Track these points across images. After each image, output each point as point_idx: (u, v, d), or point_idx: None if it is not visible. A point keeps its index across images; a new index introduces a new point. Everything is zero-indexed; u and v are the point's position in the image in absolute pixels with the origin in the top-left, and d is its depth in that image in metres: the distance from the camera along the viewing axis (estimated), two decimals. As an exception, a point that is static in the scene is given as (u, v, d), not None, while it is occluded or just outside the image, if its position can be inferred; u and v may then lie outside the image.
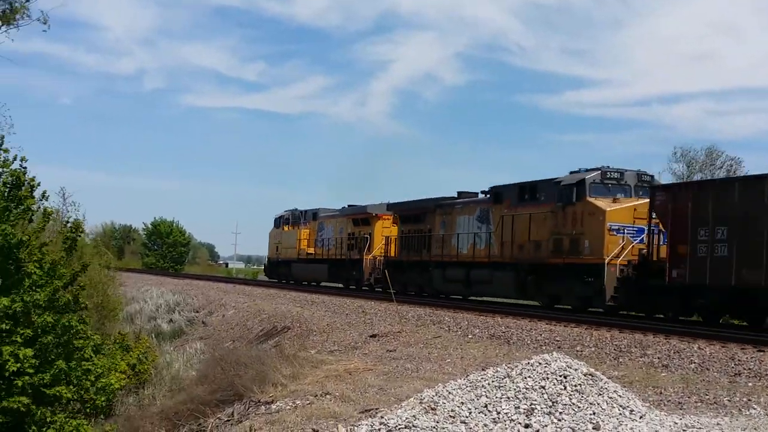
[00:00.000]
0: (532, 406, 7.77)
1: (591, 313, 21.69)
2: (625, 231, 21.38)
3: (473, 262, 27.01)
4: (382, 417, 7.95)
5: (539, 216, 23.70)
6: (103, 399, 15.53)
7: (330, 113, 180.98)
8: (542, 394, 7.98)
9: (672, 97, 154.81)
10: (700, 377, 11.46)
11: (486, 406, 7.89)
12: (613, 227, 21.37)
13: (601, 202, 21.82)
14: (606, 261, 20.79)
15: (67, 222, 19.15)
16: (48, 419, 14.11)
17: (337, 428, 8.70)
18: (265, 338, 21.98)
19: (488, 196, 27.14)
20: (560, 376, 8.28)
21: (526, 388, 8.10)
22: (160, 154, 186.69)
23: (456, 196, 30.09)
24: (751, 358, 12.31)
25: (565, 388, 8.08)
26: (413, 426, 7.45)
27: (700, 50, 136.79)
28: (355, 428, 8.09)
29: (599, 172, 22.40)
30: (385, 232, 34.40)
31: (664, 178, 36.44)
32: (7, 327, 13.46)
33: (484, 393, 8.19)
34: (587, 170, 22.74)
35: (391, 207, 34.73)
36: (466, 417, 7.69)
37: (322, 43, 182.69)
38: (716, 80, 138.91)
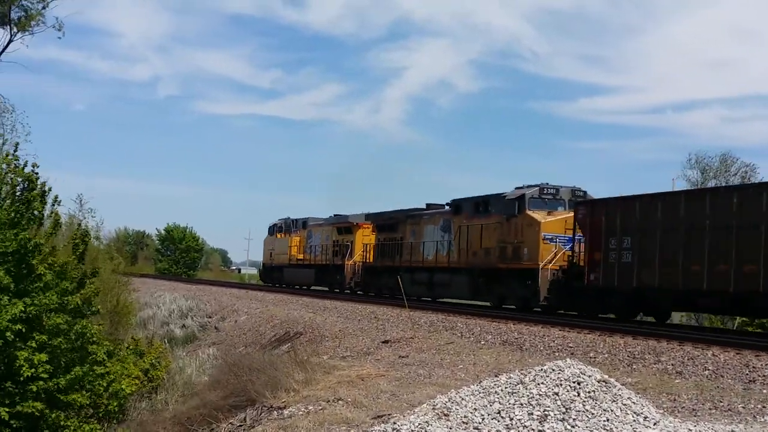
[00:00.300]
0: (546, 413, 7.73)
1: (603, 320, 21.83)
2: (558, 240, 24.33)
3: (436, 267, 30.07)
4: (394, 423, 7.93)
5: (489, 226, 26.72)
6: (115, 404, 15.59)
7: (344, 120, 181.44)
8: (556, 400, 7.94)
9: (687, 104, 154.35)
10: (714, 384, 11.39)
11: (499, 413, 7.86)
12: (547, 237, 24.29)
13: (538, 215, 24.74)
14: (540, 266, 23.72)
15: (79, 227, 19.25)
16: (62, 424, 14.18)
17: (350, 434, 8.69)
18: (278, 344, 22.00)
19: (450, 208, 30.03)
20: (574, 382, 8.24)
21: (540, 395, 8.06)
22: (174, 160, 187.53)
23: (425, 207, 33.06)
24: (766, 365, 12.23)
25: (579, 394, 8.03)
26: (426, 432, 7.43)
27: (715, 57, 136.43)
28: (368, 434, 8.08)
29: (538, 188, 25.44)
30: (365, 240, 37.35)
31: (679, 185, 36.46)
32: (22, 330, 13.52)
33: (497, 399, 8.16)
34: (529, 186, 25.72)
35: (369, 217, 38.01)
36: (479, 423, 7.66)
37: (337, 51, 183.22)
38: (732, 87, 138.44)
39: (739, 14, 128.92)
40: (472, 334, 18.24)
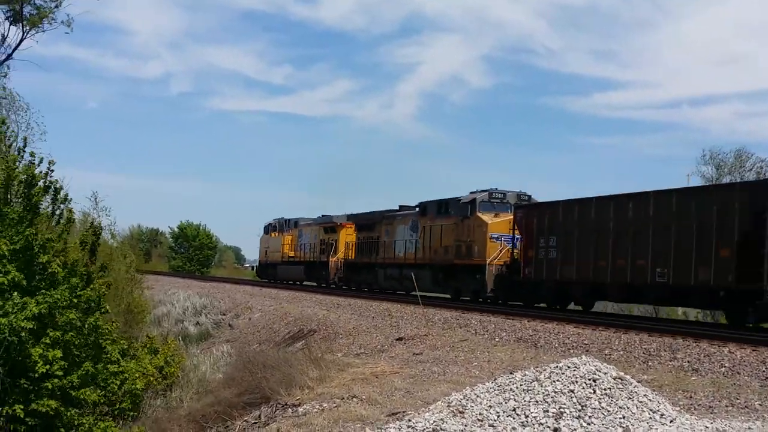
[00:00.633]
0: (561, 410, 7.71)
1: (619, 317, 21.93)
2: (503, 239, 27.44)
3: (405, 263, 33.33)
4: (409, 420, 7.92)
5: (448, 227, 30.02)
6: (130, 402, 15.63)
7: (356, 116, 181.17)
8: (571, 397, 7.92)
9: (702, 99, 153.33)
10: (730, 381, 11.32)
11: (514, 410, 7.84)
12: (493, 236, 27.57)
13: (486, 217, 27.99)
14: (487, 262, 27.17)
15: (92, 225, 19.31)
16: (76, 422, 14.21)
17: (365, 431, 8.68)
18: (292, 341, 22.03)
19: (418, 210, 33.19)
20: (589, 379, 8.21)
21: (555, 392, 8.04)
22: (187, 157, 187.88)
23: (398, 208, 36.19)
24: (783, 362, 12.16)
25: (595, 391, 8.00)
26: (441, 429, 7.41)
27: (731, 51, 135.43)
28: (383, 431, 8.07)
29: (487, 192, 28.75)
30: (348, 238, 40.44)
31: (694, 181, 36.33)
32: (35, 328, 13.57)
33: (512, 396, 8.14)
34: (480, 191, 28.95)
35: (350, 217, 41.20)
36: (495, 420, 7.64)
37: (348, 46, 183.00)
38: (747, 82, 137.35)
39: (753, 9, 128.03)
40: (487, 331, 18.20)
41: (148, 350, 19.23)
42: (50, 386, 13.77)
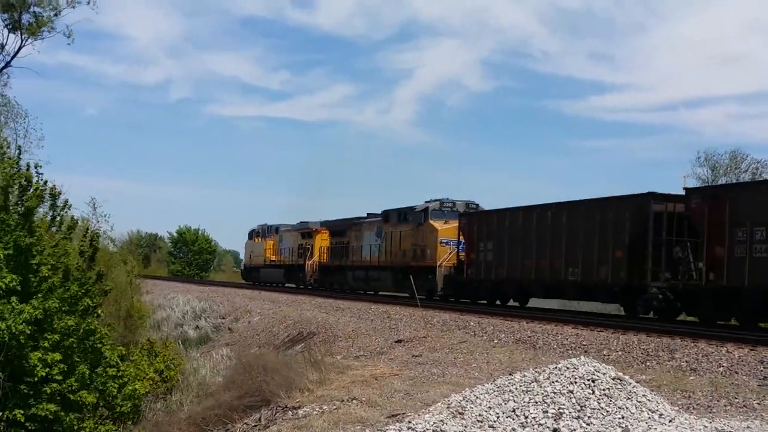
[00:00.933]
0: (561, 411, 7.74)
1: (618, 318, 21.99)
2: (451, 243, 30.32)
3: (370, 266, 36.66)
4: (409, 422, 7.95)
5: (406, 233, 33.06)
6: (129, 405, 15.65)
7: (355, 121, 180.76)
8: (570, 398, 7.95)
9: (697, 101, 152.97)
10: (728, 381, 11.37)
11: (514, 411, 7.87)
12: (443, 241, 30.53)
13: (437, 224, 31.08)
14: (438, 264, 30.12)
15: (87, 230, 19.34)
16: (76, 426, 14.22)
17: (365, 433, 8.71)
18: (291, 344, 22.07)
19: (382, 217, 36.09)
20: (588, 380, 8.24)
21: (554, 393, 8.07)
22: (186, 163, 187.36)
23: (366, 216, 39.28)
24: (781, 361, 12.20)
25: (594, 392, 8.04)
26: (441, 430, 7.44)
27: (725, 53, 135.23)
28: (383, 433, 8.10)
29: (438, 202, 31.91)
30: (322, 243, 43.33)
31: (690, 183, 36.36)
32: (33, 332, 13.59)
33: (511, 397, 8.17)
34: (433, 200, 32.03)
35: (324, 224, 44.35)
36: (494, 421, 7.67)
37: (346, 52, 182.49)
38: (742, 83, 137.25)
39: (747, 9, 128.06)
40: (485, 332, 18.24)
41: (147, 354, 19.26)
42: (49, 390, 13.78)
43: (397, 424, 8.10)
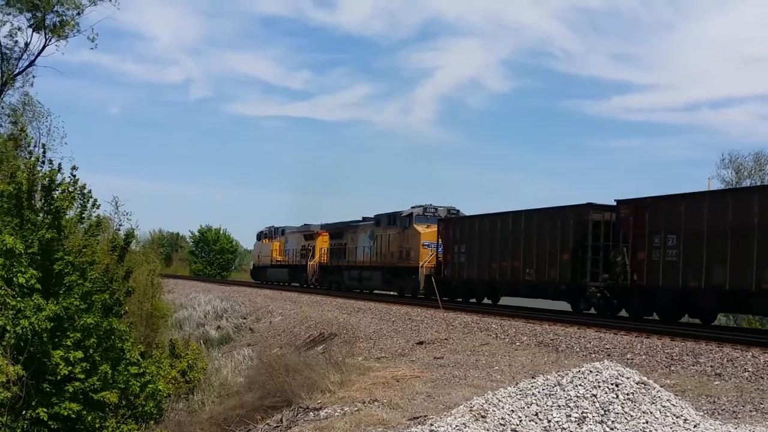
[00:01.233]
0: (584, 415, 7.68)
1: (643, 321, 21.83)
2: (432, 246, 33.01)
3: (363, 266, 39.51)
4: (431, 424, 7.91)
5: (394, 236, 35.95)
6: (152, 404, 15.73)
7: (375, 121, 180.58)
8: (594, 402, 7.89)
9: (722, 101, 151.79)
10: (754, 386, 11.26)
11: (537, 414, 7.83)
12: (425, 244, 33.37)
13: (420, 228, 33.96)
14: (420, 265, 33.13)
15: (118, 229, 19.47)
16: (98, 425, 14.32)
17: (387, 435, 8.68)
18: (312, 345, 22.07)
19: (374, 221, 38.65)
20: (612, 384, 8.17)
21: (578, 397, 8.01)
22: (207, 162, 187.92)
23: (361, 219, 41.71)
24: (808, 366, 12.06)
25: (618, 396, 7.97)
26: (463, 434, 7.41)
27: (751, 52, 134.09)
28: (405, 435, 8.07)
29: (422, 207, 34.72)
30: (323, 245, 46.03)
31: (714, 185, 36.12)
32: (55, 328, 13.70)
33: (534, 401, 8.12)
34: (417, 206, 34.88)
35: (324, 227, 46.85)
36: (517, 425, 7.63)
37: (367, 51, 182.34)
38: (766, 83, 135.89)
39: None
40: (507, 335, 18.17)
41: (170, 354, 19.34)
42: (72, 389, 13.90)
43: (419, 426, 8.08)
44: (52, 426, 13.76)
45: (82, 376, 13.99)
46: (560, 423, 7.60)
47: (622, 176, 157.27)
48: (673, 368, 13.10)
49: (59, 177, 16.03)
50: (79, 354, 13.92)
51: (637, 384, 8.24)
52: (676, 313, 22.23)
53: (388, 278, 37.02)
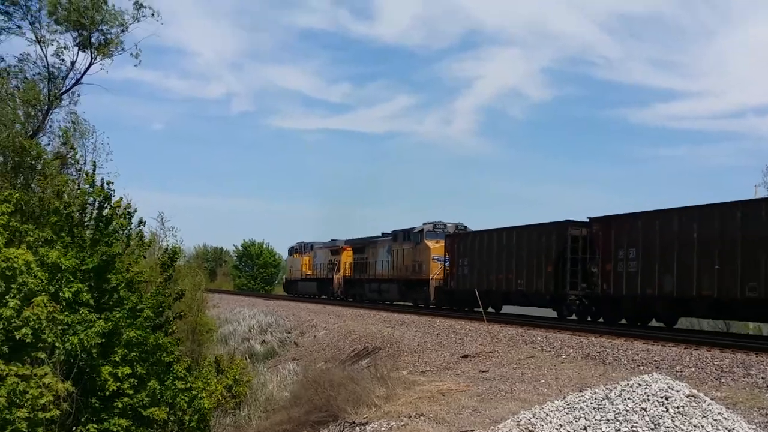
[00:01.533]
0: (634, 429, 7.58)
1: (688, 332, 21.58)
2: (441, 260, 36.01)
3: (382, 279, 42.46)
4: (478, 439, 7.89)
5: (408, 251, 39.16)
6: (198, 420, 15.84)
7: (415, 132, 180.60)
8: (643, 416, 7.79)
9: (766, 108, 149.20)
10: (808, 398, 11.02)
11: (585, 429, 7.75)
12: (435, 258, 36.49)
13: (430, 243, 36.95)
14: (430, 278, 36.48)
15: (167, 248, 19.71)
16: (147, 440, 14.45)
17: (434, 450, 8.65)
18: (357, 359, 22.08)
19: (391, 236, 41.75)
20: (662, 397, 8.07)
21: (626, 410, 7.92)
22: (249, 176, 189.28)
23: (381, 235, 44.79)
24: None
25: (668, 410, 7.86)
26: (511, 449, 7.36)
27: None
28: (452, 450, 8.04)
29: (432, 224, 37.74)
30: (347, 259, 49.14)
31: (761, 193, 35.61)
32: (104, 344, 13.88)
33: (582, 415, 8.04)
34: (428, 223, 37.89)
35: (348, 242, 50.28)
36: (565, 440, 7.57)
37: (407, 63, 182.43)
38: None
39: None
40: (553, 347, 18.02)
41: (216, 369, 19.48)
42: (121, 405, 14.04)
43: (467, 441, 8.05)
44: (102, 442, 13.92)
45: (130, 392, 14.14)
46: (609, 437, 7.51)
47: (666, 185, 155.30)
48: (723, 380, 12.88)
49: (110, 192, 16.31)
50: (127, 369, 14.08)
51: (687, 397, 8.13)
52: (638, 318, 24.97)
53: (403, 290, 40.06)
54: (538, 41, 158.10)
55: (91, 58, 24.49)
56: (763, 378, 12.57)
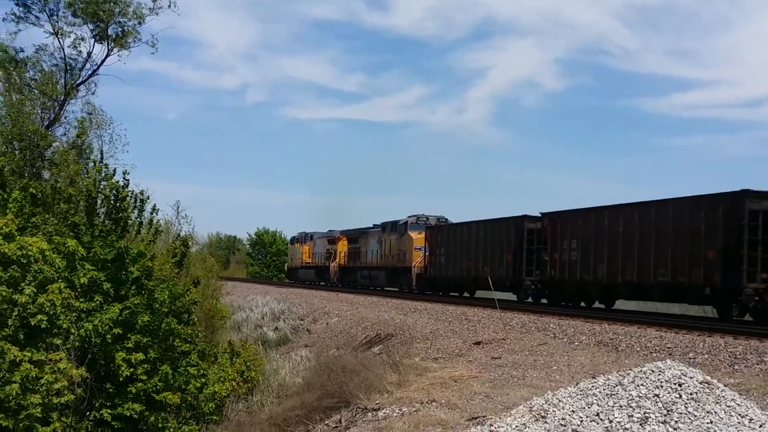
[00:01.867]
0: (646, 415, 7.57)
1: (703, 320, 21.52)
2: (423, 249, 40.36)
3: (372, 267, 47.18)
4: (491, 425, 7.88)
5: (394, 241, 43.62)
6: (212, 405, 15.93)
7: (429, 122, 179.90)
8: (656, 402, 7.77)
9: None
10: (822, 385, 10.98)
11: (598, 415, 7.73)
12: (417, 247, 40.88)
13: (413, 234, 41.51)
14: (412, 266, 41.07)
15: (179, 236, 19.80)
16: (160, 425, 14.54)
17: (446, 436, 8.66)
18: (369, 345, 22.12)
19: (380, 228, 46.24)
20: (674, 384, 8.04)
21: (639, 397, 7.89)
22: (263, 165, 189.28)
23: (372, 226, 48.97)
24: None
25: (680, 396, 7.83)
26: (523, 434, 7.36)
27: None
28: (464, 436, 8.04)
29: (416, 217, 42.41)
30: (342, 248, 53.69)
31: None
32: (119, 332, 13.96)
33: (595, 401, 8.02)
34: (412, 216, 42.54)
35: (343, 232, 54.75)
36: (578, 426, 7.55)
37: (421, 53, 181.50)
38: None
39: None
40: (565, 334, 18.00)
41: (228, 355, 19.56)
42: (134, 390, 14.14)
43: (479, 427, 8.05)
44: (116, 426, 14.02)
45: (144, 377, 14.23)
46: (622, 423, 7.50)
47: (684, 174, 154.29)
48: (736, 367, 12.84)
49: (122, 182, 16.38)
50: (140, 356, 14.17)
51: (700, 383, 8.10)
52: (578, 300, 28.96)
53: (390, 277, 44.65)
54: (552, 31, 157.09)
55: (108, 49, 24.54)
56: (776, 365, 12.53)
